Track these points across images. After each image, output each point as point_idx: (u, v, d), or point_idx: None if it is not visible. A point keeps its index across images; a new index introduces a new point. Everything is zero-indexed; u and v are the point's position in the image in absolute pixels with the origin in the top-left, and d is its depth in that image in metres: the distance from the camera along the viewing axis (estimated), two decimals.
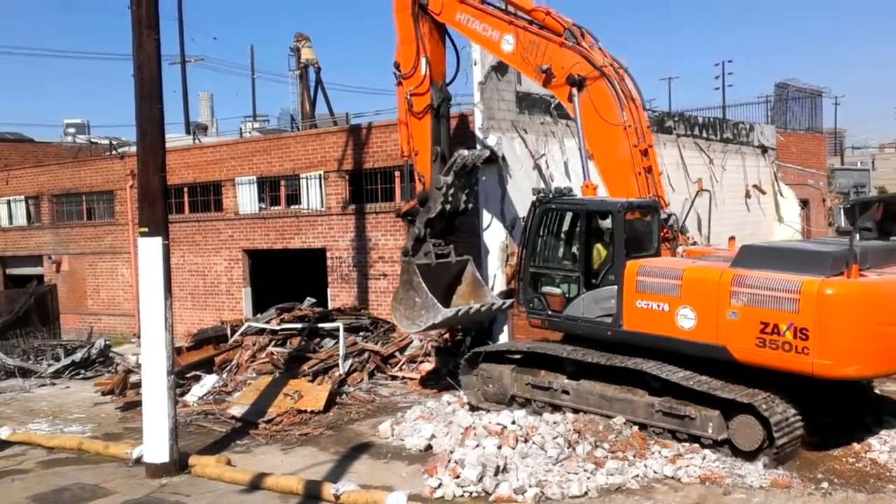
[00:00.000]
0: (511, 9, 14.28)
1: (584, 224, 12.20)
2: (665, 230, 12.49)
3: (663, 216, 12.51)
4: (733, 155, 26.44)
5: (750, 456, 10.27)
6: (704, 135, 25.16)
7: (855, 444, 10.83)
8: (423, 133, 15.59)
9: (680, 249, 12.56)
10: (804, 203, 30.12)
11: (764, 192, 27.59)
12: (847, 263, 9.97)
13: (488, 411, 12.70)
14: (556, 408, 12.18)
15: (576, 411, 11.80)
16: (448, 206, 15.29)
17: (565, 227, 12.58)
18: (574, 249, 12.42)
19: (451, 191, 15.22)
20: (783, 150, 29.86)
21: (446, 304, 15.25)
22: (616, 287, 11.63)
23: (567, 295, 12.38)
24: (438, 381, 15.89)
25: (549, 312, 12.57)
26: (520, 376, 12.71)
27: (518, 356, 13.03)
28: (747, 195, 26.83)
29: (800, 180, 30.53)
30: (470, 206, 15.97)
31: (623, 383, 11.48)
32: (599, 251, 12.27)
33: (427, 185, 15.56)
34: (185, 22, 56.85)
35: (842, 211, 34.97)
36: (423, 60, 15.21)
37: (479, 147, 16.63)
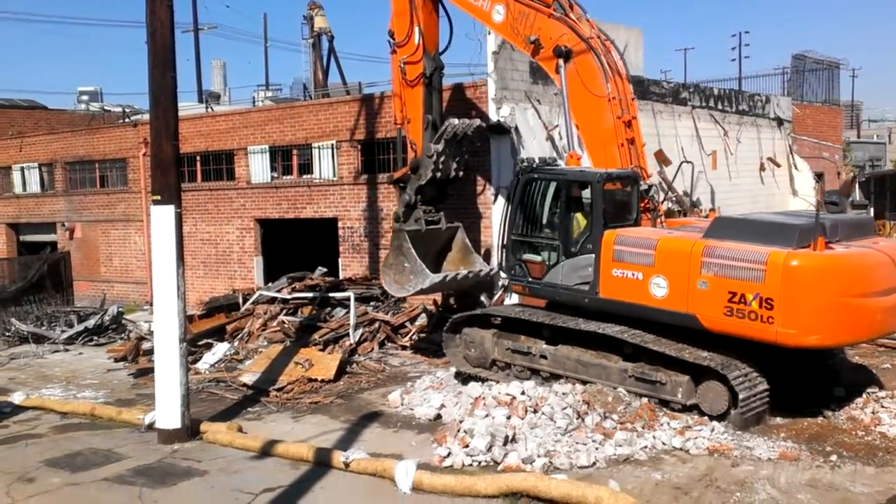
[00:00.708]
0: None
1: (565, 193, 12.47)
2: (646, 201, 12.70)
3: (644, 187, 12.71)
4: (748, 127, 26.25)
5: (715, 419, 10.58)
6: (720, 107, 24.97)
7: (864, 418, 10.83)
8: (415, 101, 15.79)
9: (660, 220, 12.87)
10: (819, 176, 29.93)
11: (779, 165, 27.41)
12: (813, 236, 10.17)
13: (453, 375, 13.22)
14: (534, 372, 12.48)
15: (553, 376, 12.14)
16: (438, 174, 15.67)
17: (547, 196, 12.84)
18: (555, 218, 12.68)
19: (442, 158, 15.53)
20: (799, 123, 29.62)
21: (437, 269, 15.61)
22: (594, 256, 11.91)
23: (547, 263, 12.64)
24: None
25: (530, 279, 12.85)
26: (500, 341, 13.01)
27: (499, 321, 13.29)
28: (762, 168, 26.68)
29: (815, 153, 30.32)
30: (461, 173, 16.21)
31: (599, 349, 11.77)
32: (579, 221, 12.51)
33: (419, 153, 15.81)
34: None
35: (857, 184, 34.75)
36: (416, 30, 15.40)
37: (471, 119, 16.45)
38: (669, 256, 11.06)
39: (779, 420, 10.93)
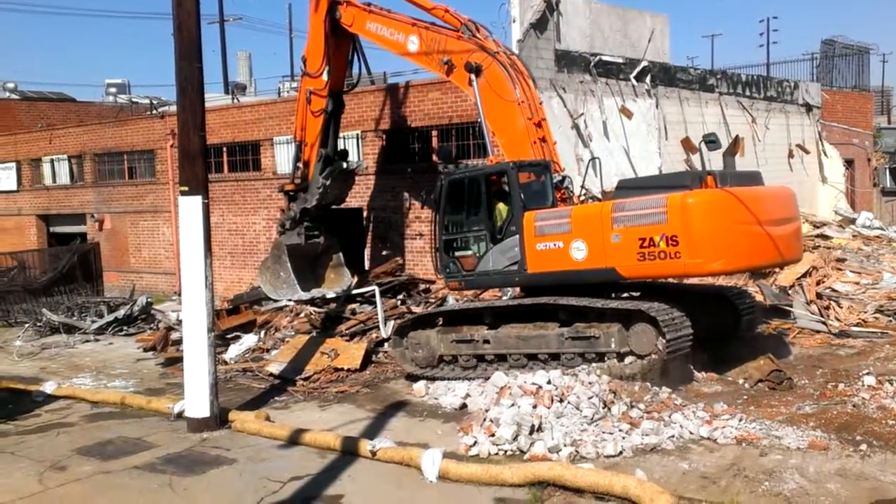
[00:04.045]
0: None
1: (485, 187, 13.33)
2: (561, 191, 13.61)
3: (558, 178, 13.61)
4: (777, 113, 25.96)
5: (647, 357, 11.52)
6: (747, 93, 24.71)
7: (894, 407, 10.72)
8: (314, 129, 17.07)
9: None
10: (849, 163, 29.54)
11: (808, 152, 27.09)
12: (702, 179, 11.70)
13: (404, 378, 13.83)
14: (479, 359, 13.12)
15: (498, 357, 12.85)
16: (323, 202, 17.24)
17: (469, 193, 13.56)
18: (479, 212, 13.44)
19: (328, 191, 17.11)
20: (828, 109, 29.24)
21: (315, 279, 17.50)
22: (518, 236, 12.82)
23: (478, 254, 13.48)
24: None
25: (464, 273, 13.69)
26: (445, 336, 13.52)
27: (441, 319, 14.01)
28: (790, 155, 26.37)
29: (845, 139, 29.92)
30: (345, 198, 18.35)
31: (536, 321, 12.59)
32: (501, 210, 13.36)
33: (310, 176, 17.19)
34: None
35: (887, 171, 34.29)
36: (326, 68, 16.49)
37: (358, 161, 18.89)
38: (584, 220, 12.20)
39: (808, 410, 10.86)
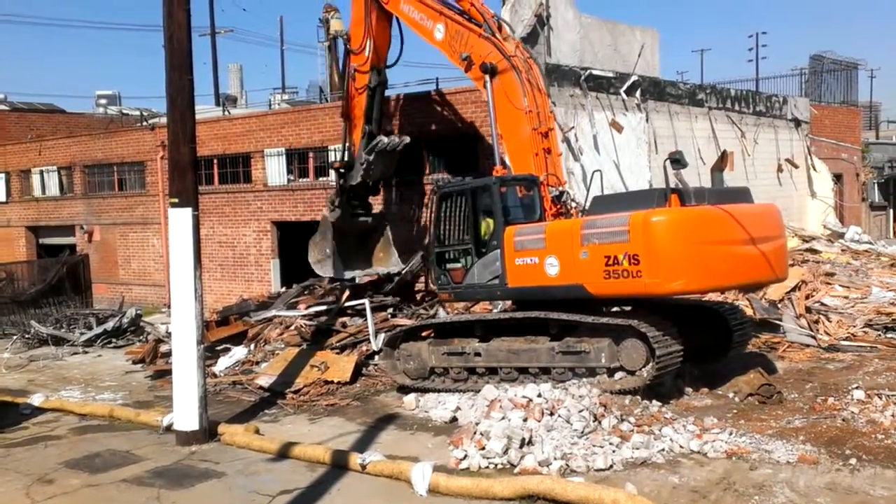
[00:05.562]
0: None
1: (471, 201, 13.58)
2: (559, 206, 13.67)
3: (556, 193, 13.71)
4: (766, 128, 26.10)
5: (636, 373, 11.54)
6: (737, 108, 24.84)
7: (884, 421, 10.74)
8: (359, 107, 17.43)
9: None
10: (837, 177, 29.71)
11: (796, 167, 27.23)
12: (666, 197, 11.66)
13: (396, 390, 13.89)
14: (470, 371, 13.21)
15: (489, 370, 12.92)
16: (368, 179, 17.63)
17: (459, 207, 13.82)
18: (467, 225, 13.65)
19: (372, 167, 17.40)
20: (817, 124, 29.42)
21: (363, 257, 18.12)
22: (499, 251, 13.00)
23: (465, 267, 13.66)
24: None
25: (453, 285, 13.87)
26: (436, 348, 13.59)
27: (431, 331, 14.17)
28: (779, 169, 26.51)
29: (833, 154, 30.11)
30: (391, 174, 18.57)
31: (527, 335, 12.69)
32: (488, 224, 13.52)
33: (355, 153, 17.58)
34: None
35: (876, 185, 34.50)
36: (368, 43, 16.77)
37: (400, 137, 18.13)
38: (556, 236, 12.30)
39: (797, 423, 10.88)
